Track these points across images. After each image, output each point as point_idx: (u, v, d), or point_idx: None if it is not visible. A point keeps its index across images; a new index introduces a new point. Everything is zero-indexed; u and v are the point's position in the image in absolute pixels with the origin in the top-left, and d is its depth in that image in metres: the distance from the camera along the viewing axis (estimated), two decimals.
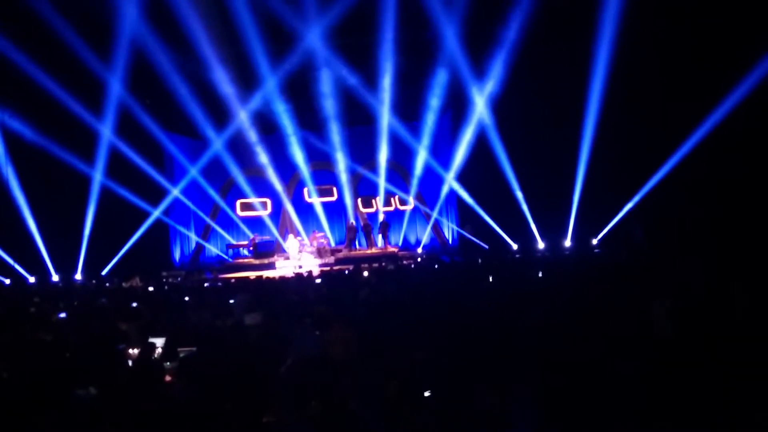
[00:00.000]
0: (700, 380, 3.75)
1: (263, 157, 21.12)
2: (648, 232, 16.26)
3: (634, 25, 14.12)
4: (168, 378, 4.91)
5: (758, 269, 6.84)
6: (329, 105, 19.20)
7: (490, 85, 17.10)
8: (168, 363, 5.39)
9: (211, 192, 22.26)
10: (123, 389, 4.40)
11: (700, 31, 13.79)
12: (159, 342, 5.92)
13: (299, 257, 19.94)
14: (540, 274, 10.31)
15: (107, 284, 15.44)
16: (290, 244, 20.52)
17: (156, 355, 5.68)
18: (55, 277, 17.85)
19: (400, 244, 22.73)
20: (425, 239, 22.69)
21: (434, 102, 18.97)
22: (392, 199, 23.25)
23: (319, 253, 20.37)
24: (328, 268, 16.81)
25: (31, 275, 17.49)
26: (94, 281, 16.89)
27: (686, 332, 5.03)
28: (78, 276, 18.12)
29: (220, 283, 13.89)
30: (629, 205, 16.95)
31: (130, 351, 5.84)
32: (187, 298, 10.21)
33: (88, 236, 18.33)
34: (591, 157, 17.08)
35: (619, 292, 6.73)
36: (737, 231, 12.87)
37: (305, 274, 13.56)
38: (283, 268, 19.01)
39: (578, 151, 17.13)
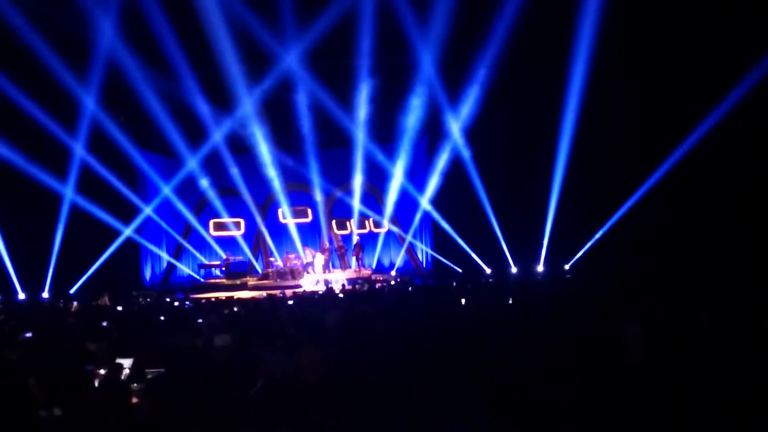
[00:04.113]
0: (670, 404, 3.78)
1: (237, 177, 21.09)
2: (619, 258, 16.44)
3: (607, 55, 14.43)
4: (135, 400, 4.82)
5: (725, 296, 6.94)
6: (306, 126, 19.26)
7: (466, 111, 17.29)
8: (135, 384, 5.29)
9: (184, 211, 22.05)
10: (88, 411, 4.30)
11: (673, 60, 14.12)
12: (126, 363, 5.81)
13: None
14: (510, 301, 10.32)
15: (75, 303, 15.15)
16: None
17: (123, 376, 5.57)
18: (22, 295, 17.47)
19: (374, 266, 22.72)
20: (399, 262, 22.70)
21: (410, 126, 19.09)
22: (367, 221, 23.27)
23: (293, 274, 20.30)
24: (301, 290, 16.74)
25: None
26: (61, 300, 16.57)
27: (656, 357, 5.08)
28: (45, 294, 17.76)
29: (189, 303, 13.72)
30: (601, 232, 17.15)
31: (97, 372, 5.73)
32: (157, 318, 10.05)
33: (56, 254, 18.01)
34: (564, 184, 17.29)
35: (591, 317, 6.78)
36: (706, 259, 13.08)
37: (278, 296, 13.46)
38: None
39: (551, 177, 17.34)
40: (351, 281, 18.78)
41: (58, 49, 14.65)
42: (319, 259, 20.64)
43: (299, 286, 18.65)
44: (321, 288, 16.60)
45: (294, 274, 20.29)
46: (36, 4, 13.52)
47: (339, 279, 19.35)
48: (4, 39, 13.69)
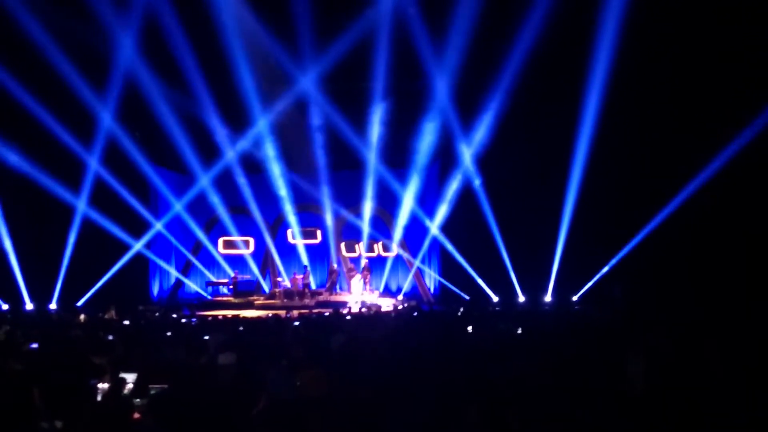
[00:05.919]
0: None
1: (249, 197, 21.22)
2: (627, 291, 16.33)
3: (620, 85, 14.46)
4: (137, 415, 4.81)
5: (733, 330, 6.88)
6: (318, 148, 19.41)
7: (478, 138, 17.35)
8: (138, 399, 5.28)
9: (195, 228, 22.10)
10: (89, 425, 4.30)
11: (686, 93, 14.13)
12: (130, 377, 5.81)
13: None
14: (519, 331, 10.26)
15: (82, 315, 15.18)
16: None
17: (126, 391, 5.56)
18: (30, 306, 17.52)
19: (381, 290, 22.63)
20: (406, 287, 22.60)
21: (422, 151, 19.14)
22: (375, 244, 23.24)
23: (300, 295, 20.26)
24: (306, 311, 16.70)
25: (5, 303, 17.19)
26: (68, 312, 16.61)
27: (657, 391, 5.03)
28: (53, 305, 17.81)
29: (195, 320, 13.71)
30: (610, 264, 17.05)
31: (100, 385, 5.72)
32: (163, 334, 10.04)
33: (66, 266, 18.10)
34: (574, 215, 17.23)
35: (597, 349, 6.72)
36: (715, 292, 12.99)
37: (284, 316, 13.44)
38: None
39: (562, 207, 17.29)
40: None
41: (77, 63, 14.88)
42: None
43: (306, 307, 18.60)
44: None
45: (301, 295, 20.25)
46: (57, 19, 13.76)
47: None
48: (24, 52, 13.93)
